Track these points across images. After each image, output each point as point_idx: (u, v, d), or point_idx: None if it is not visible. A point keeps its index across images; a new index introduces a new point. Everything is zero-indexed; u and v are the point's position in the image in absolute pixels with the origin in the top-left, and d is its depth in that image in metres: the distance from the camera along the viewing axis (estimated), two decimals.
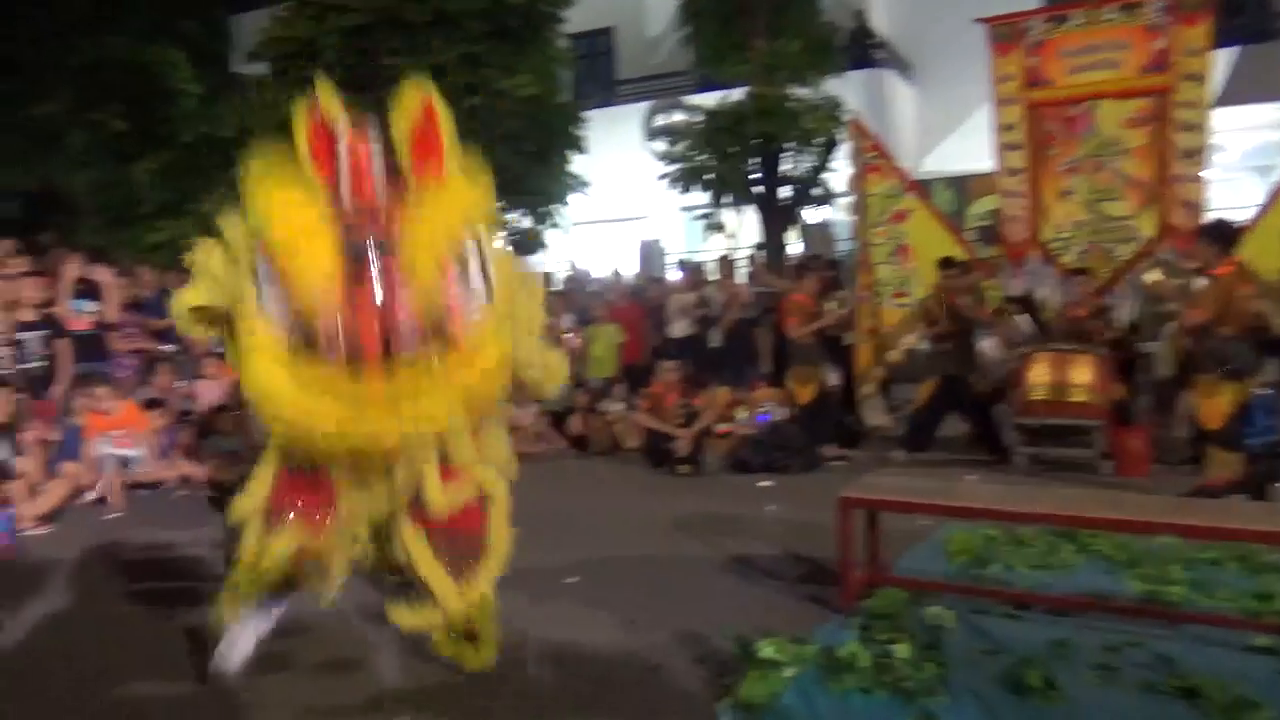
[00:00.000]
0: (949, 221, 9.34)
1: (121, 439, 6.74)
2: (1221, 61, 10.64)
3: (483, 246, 3.03)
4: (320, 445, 2.82)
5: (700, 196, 12.71)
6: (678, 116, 16.48)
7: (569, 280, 12.04)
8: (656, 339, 10.04)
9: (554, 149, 12.52)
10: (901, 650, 3.27)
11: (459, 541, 3.21)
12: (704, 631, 3.70)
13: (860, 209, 8.80)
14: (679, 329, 9.86)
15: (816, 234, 13.23)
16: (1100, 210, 8.17)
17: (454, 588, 3.14)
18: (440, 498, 3.14)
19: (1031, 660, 3.20)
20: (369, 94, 11.27)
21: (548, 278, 11.45)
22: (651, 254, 14.86)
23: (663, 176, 12.56)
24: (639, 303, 10.45)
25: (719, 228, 12.82)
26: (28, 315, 6.87)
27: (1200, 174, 7.82)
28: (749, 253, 12.73)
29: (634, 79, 18.69)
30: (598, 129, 14.07)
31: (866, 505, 3.96)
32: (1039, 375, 7.07)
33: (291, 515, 3.04)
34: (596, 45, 19.23)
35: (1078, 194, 8.26)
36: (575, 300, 10.71)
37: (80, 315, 7.30)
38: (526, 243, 13.07)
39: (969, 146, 14.19)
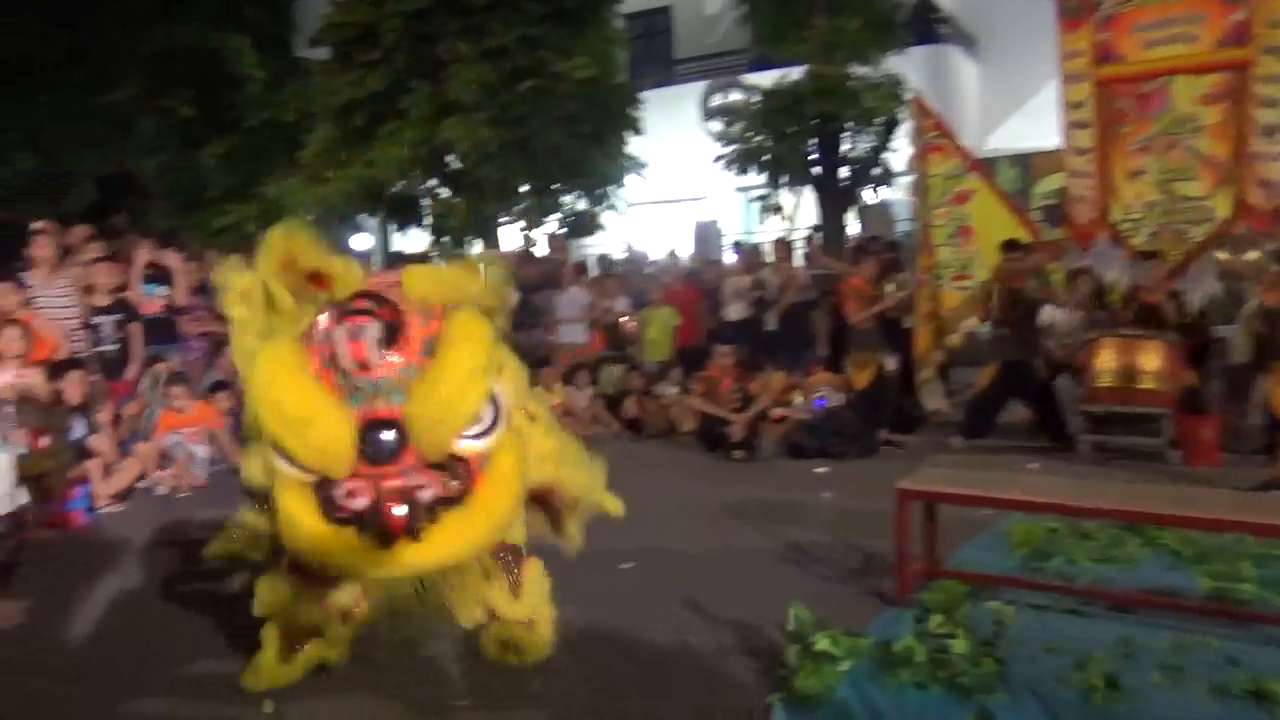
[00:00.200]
0: (1013, 202, 9.11)
1: (193, 435, 6.92)
2: None
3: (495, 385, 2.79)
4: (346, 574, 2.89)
5: (757, 178, 12.56)
6: (735, 96, 16.34)
7: (625, 263, 12.03)
8: (712, 322, 10.00)
9: (611, 131, 12.46)
10: (959, 645, 3.24)
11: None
12: (758, 621, 3.69)
13: (921, 190, 8.63)
14: (735, 312, 9.80)
15: (875, 215, 13.00)
16: (1173, 190, 7.92)
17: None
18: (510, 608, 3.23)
19: (1094, 658, 3.15)
20: (430, 80, 11.43)
21: (605, 260, 11.46)
22: (708, 235, 14.77)
23: (719, 159, 12.43)
24: (695, 285, 10.41)
25: (776, 210, 12.66)
26: (102, 300, 7.09)
27: None
28: (806, 234, 12.59)
29: (691, 58, 18.55)
30: (655, 109, 13.98)
31: (924, 497, 3.90)
32: (1106, 361, 6.88)
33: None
34: (654, 24, 19.11)
35: (1149, 173, 8.01)
36: (631, 283, 10.71)
37: (151, 299, 7.52)
38: (583, 225, 13.07)
39: (1034, 124, 13.83)
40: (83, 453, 6.16)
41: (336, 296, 2.76)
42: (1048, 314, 7.55)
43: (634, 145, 13.05)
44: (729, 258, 12.05)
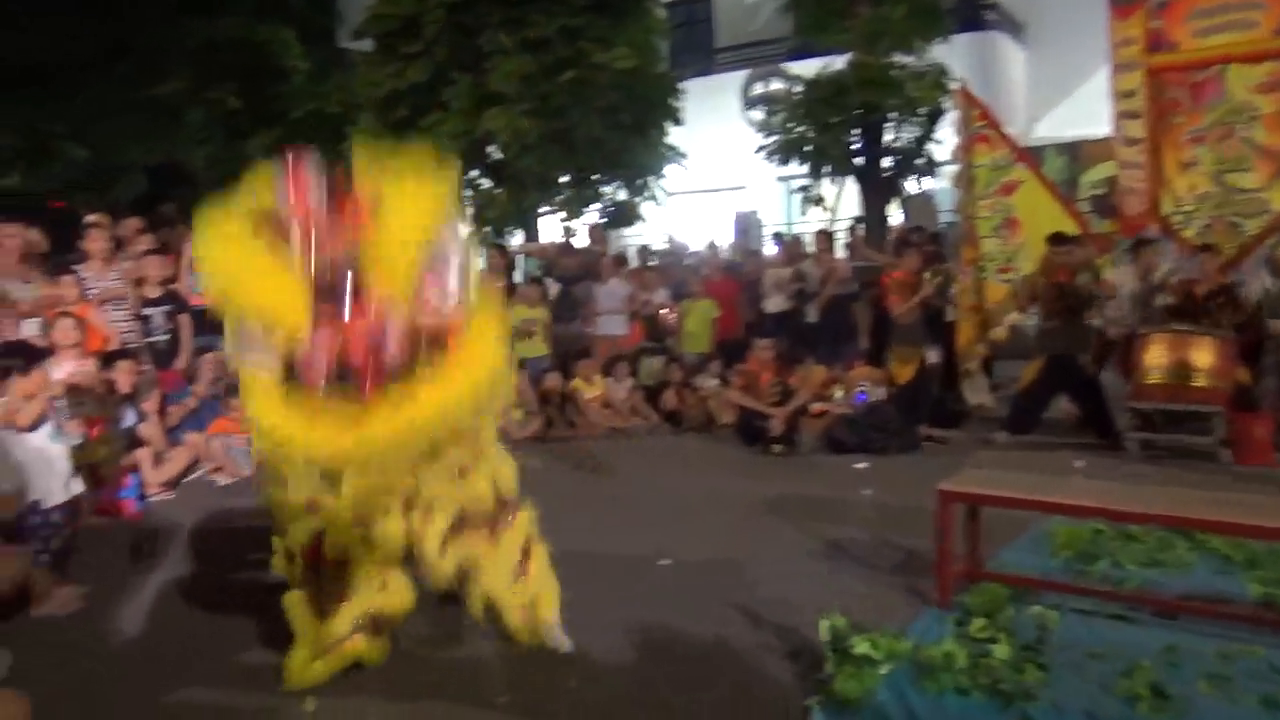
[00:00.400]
0: (1061, 193, 8.95)
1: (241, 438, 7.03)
2: None
3: (454, 244, 2.97)
4: (320, 467, 2.90)
5: (799, 168, 12.46)
6: (776, 85, 16.21)
7: (665, 254, 12.01)
8: (752, 314, 9.96)
9: (651, 121, 12.45)
10: (1000, 650, 3.20)
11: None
12: (796, 621, 3.69)
13: (966, 180, 8.50)
14: (775, 304, 9.77)
15: (919, 205, 12.84)
16: (1227, 182, 7.71)
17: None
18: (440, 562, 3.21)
19: (1139, 666, 3.10)
20: (471, 72, 11.49)
21: (646, 251, 11.45)
22: (748, 226, 14.69)
23: (760, 150, 12.35)
24: (734, 277, 10.37)
25: (818, 201, 12.55)
26: (153, 291, 7.23)
27: None
28: (848, 225, 12.48)
29: (732, 47, 18.44)
30: (695, 98, 13.94)
31: (967, 499, 3.86)
32: (1156, 357, 6.74)
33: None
34: (695, 13, 19.02)
35: (1203, 164, 7.81)
36: (672, 274, 10.69)
37: (199, 291, 7.65)
38: (623, 215, 13.08)
39: (1083, 111, 13.59)
40: (133, 441, 6.31)
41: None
42: (1111, 277, 7.35)
43: (674, 135, 13.02)
44: (769, 249, 11.97)
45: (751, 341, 8.24)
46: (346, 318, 2.79)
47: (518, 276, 10.37)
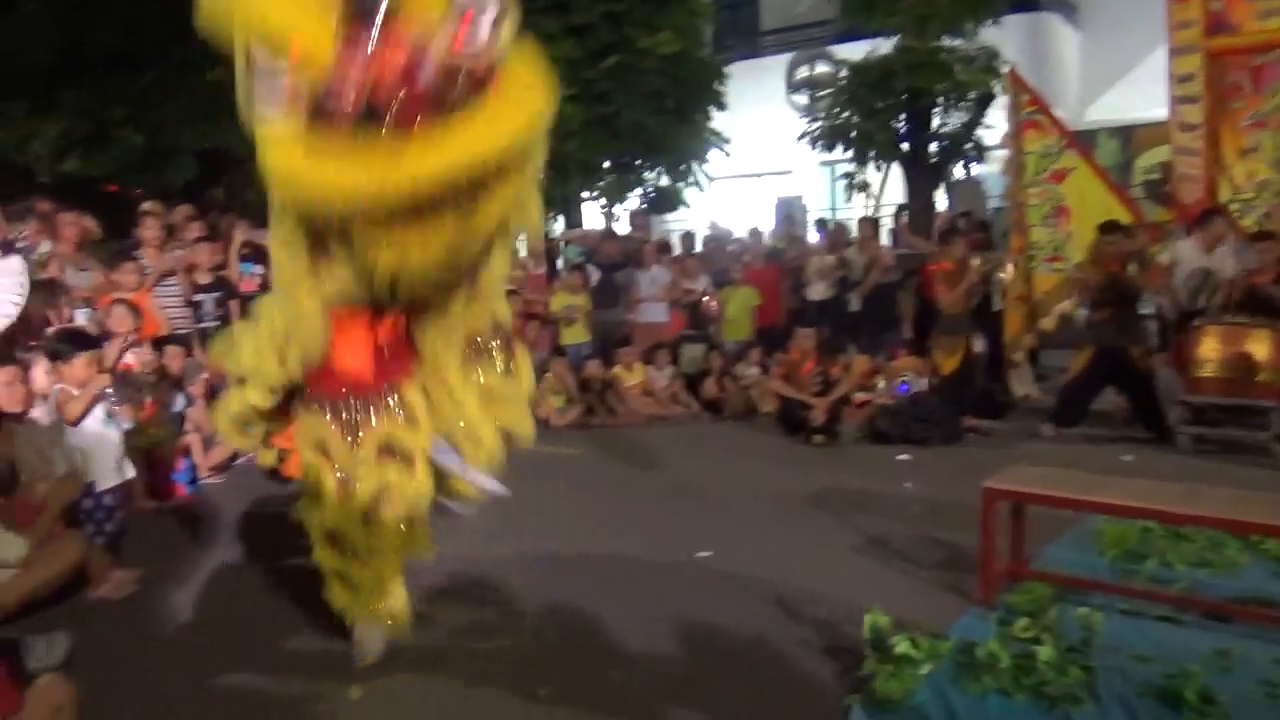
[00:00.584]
0: (1113, 181, 8.73)
1: None
2: None
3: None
4: (347, 212, 2.56)
5: (844, 154, 12.30)
6: (822, 68, 16.01)
7: (708, 240, 11.96)
8: (794, 301, 9.89)
9: (695, 106, 12.37)
10: (1045, 652, 3.15)
11: None
12: (836, 617, 3.67)
13: (1015, 167, 8.35)
14: (817, 292, 9.68)
15: (966, 191, 12.62)
16: None
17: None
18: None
19: (1188, 671, 3.03)
20: None
21: (689, 238, 11.42)
22: (791, 212, 14.57)
23: (803, 136, 12.22)
24: (776, 264, 10.30)
25: (863, 188, 12.39)
26: (203, 278, 7.37)
27: None
28: (892, 211, 12.31)
29: (778, 30, 18.25)
30: (740, 81, 13.82)
31: (1012, 498, 3.80)
32: (1210, 350, 6.58)
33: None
34: None
35: (1263, 151, 7.59)
36: (714, 261, 10.65)
37: (249, 277, 7.78)
38: (665, 201, 13.03)
39: (1138, 94, 13.27)
40: (183, 426, 6.44)
41: None
42: (1172, 252, 7.15)
43: (717, 119, 12.93)
44: (812, 235, 11.86)
45: (793, 330, 8.19)
46: (377, 42, 2.48)
47: (559, 263, 10.38)
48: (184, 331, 7.07)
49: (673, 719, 3.05)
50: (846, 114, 11.68)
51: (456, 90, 2.52)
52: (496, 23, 2.61)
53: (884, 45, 11.66)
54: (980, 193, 12.79)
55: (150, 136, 12.97)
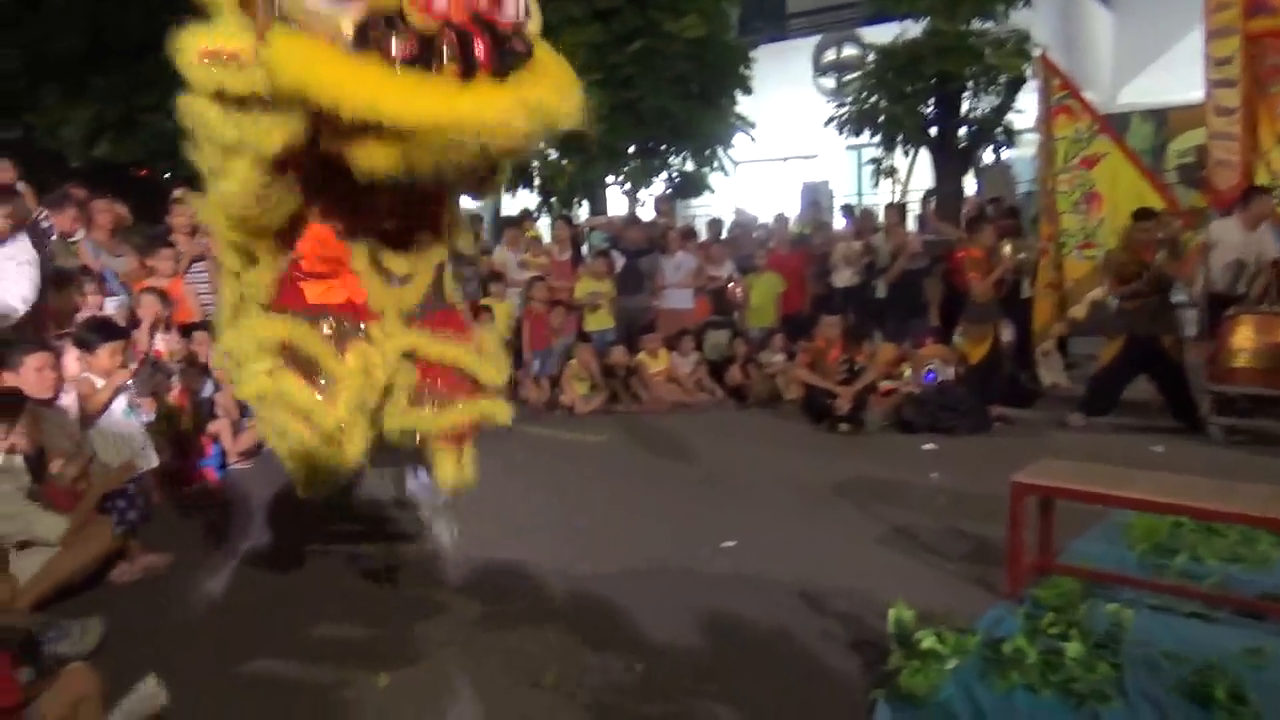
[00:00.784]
0: (1146, 167, 8.58)
1: None
2: None
3: None
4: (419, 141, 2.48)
5: (871, 139, 12.16)
6: (849, 51, 15.83)
7: (734, 226, 11.90)
8: (819, 288, 9.83)
9: (721, 91, 12.28)
10: (1073, 648, 3.12)
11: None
12: (860, 609, 3.66)
13: (1046, 153, 8.22)
14: (843, 278, 9.62)
15: (995, 176, 12.46)
16: None
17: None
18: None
19: (1219, 669, 2.99)
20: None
21: (716, 224, 11.37)
22: (817, 197, 14.46)
23: (830, 120, 12.10)
24: (802, 250, 10.23)
25: (890, 173, 12.27)
26: None
27: None
28: (919, 197, 12.17)
29: (804, 12, 18.06)
30: (766, 64, 13.68)
31: (1041, 492, 3.77)
32: (1244, 339, 6.46)
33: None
34: None
35: None
36: (739, 247, 10.59)
37: None
38: (690, 186, 12.96)
39: (1172, 76, 13.02)
40: (212, 411, 6.51)
41: None
42: (1211, 232, 7.02)
43: (743, 103, 12.83)
44: (838, 221, 11.76)
45: (818, 317, 8.15)
46: None
47: (584, 250, 10.36)
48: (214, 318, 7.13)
49: (697, 711, 3.05)
50: (874, 98, 11.52)
51: (517, 54, 2.54)
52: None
53: (913, 28, 11.49)
54: (1009, 178, 12.62)
55: (180, 122, 13.12)
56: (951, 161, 11.67)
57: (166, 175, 11.80)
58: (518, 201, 13.14)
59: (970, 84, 11.20)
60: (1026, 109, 10.31)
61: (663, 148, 12.36)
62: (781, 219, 11.23)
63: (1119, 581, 3.77)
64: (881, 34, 12.61)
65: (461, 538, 4.02)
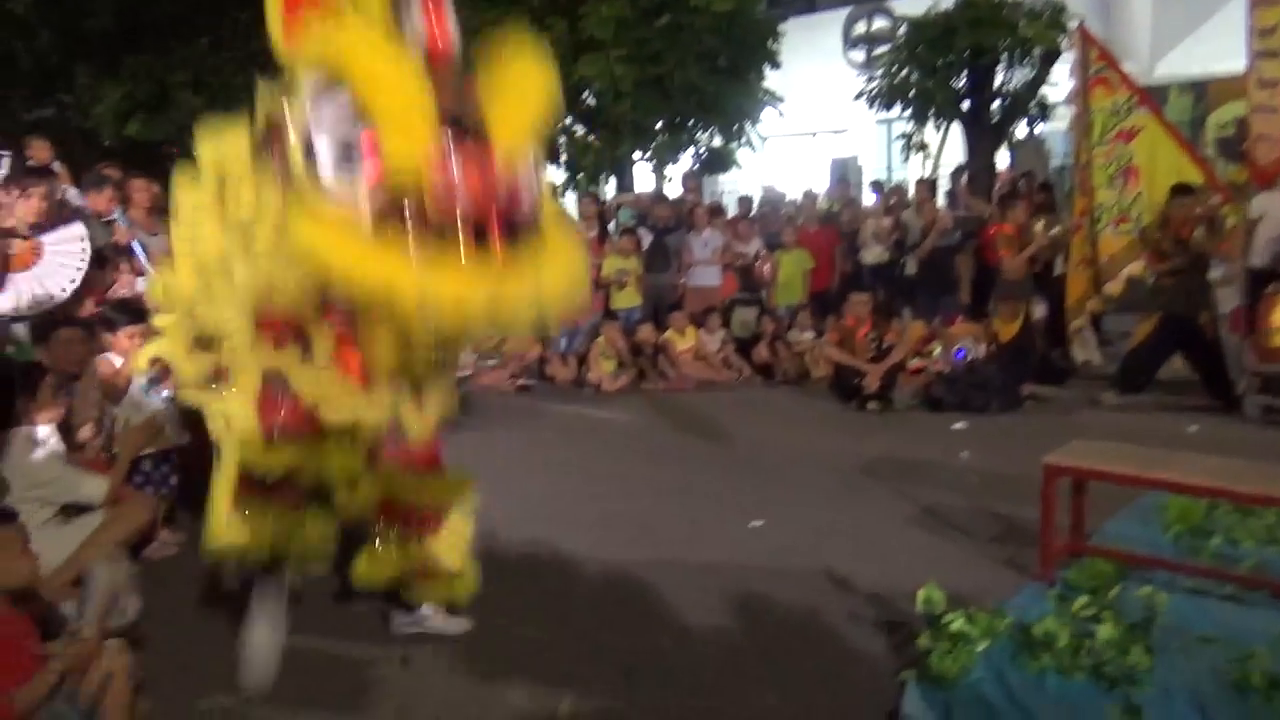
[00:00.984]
0: (1185, 140, 8.39)
1: None
2: None
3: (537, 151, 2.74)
4: (429, 320, 2.49)
5: (902, 114, 11.99)
6: (879, 23, 15.58)
7: (762, 203, 11.80)
8: (848, 265, 9.75)
9: (749, 65, 12.15)
10: (1105, 631, 3.09)
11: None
12: (889, 590, 3.65)
13: (1082, 126, 8.05)
14: (872, 255, 9.53)
15: (1029, 151, 12.25)
16: None
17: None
18: (418, 426, 3.14)
19: (1255, 654, 2.94)
20: (566, 17, 11.37)
21: (745, 201, 11.28)
22: (846, 173, 14.30)
23: (859, 94, 11.94)
24: (831, 226, 10.13)
25: (921, 148, 12.09)
26: None
27: None
28: (950, 172, 12.00)
29: None
30: (794, 38, 13.50)
31: (1073, 474, 3.72)
32: None
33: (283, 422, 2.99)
34: None
35: None
36: (767, 224, 10.51)
37: None
38: (717, 162, 12.87)
39: (1213, 47, 12.67)
40: None
41: None
42: (1261, 204, 6.86)
43: (771, 78, 12.69)
44: (868, 197, 11.64)
45: (847, 294, 8.08)
46: (469, 158, 2.43)
47: (611, 227, 10.33)
48: None
49: (726, 690, 3.06)
50: (905, 72, 11.34)
51: (529, 226, 2.55)
52: (539, 179, 2.70)
53: (945, 0, 11.30)
54: (1043, 153, 12.41)
55: (213, 101, 13.16)
56: (984, 136, 11.49)
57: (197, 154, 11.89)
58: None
59: (1004, 57, 11.00)
60: (1060, 82, 10.11)
61: (690, 123, 12.26)
62: (810, 195, 11.13)
63: (1153, 564, 3.72)
64: (913, 6, 12.38)
65: (485, 515, 4.01)
